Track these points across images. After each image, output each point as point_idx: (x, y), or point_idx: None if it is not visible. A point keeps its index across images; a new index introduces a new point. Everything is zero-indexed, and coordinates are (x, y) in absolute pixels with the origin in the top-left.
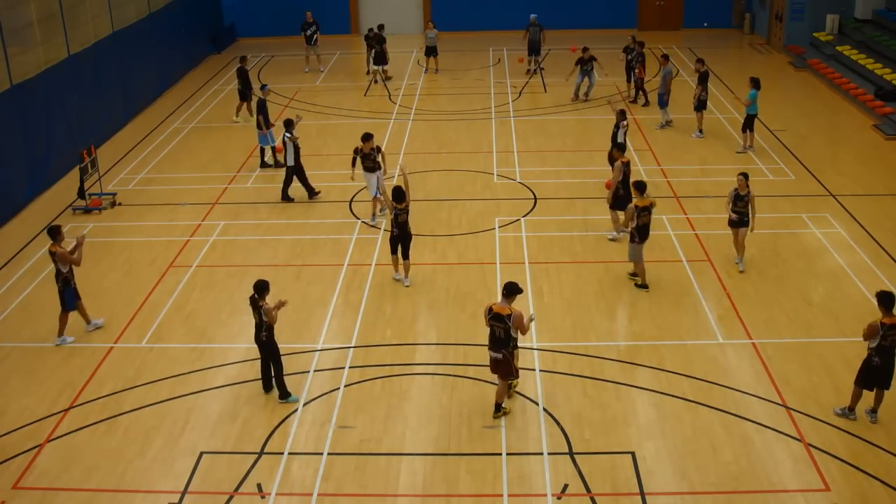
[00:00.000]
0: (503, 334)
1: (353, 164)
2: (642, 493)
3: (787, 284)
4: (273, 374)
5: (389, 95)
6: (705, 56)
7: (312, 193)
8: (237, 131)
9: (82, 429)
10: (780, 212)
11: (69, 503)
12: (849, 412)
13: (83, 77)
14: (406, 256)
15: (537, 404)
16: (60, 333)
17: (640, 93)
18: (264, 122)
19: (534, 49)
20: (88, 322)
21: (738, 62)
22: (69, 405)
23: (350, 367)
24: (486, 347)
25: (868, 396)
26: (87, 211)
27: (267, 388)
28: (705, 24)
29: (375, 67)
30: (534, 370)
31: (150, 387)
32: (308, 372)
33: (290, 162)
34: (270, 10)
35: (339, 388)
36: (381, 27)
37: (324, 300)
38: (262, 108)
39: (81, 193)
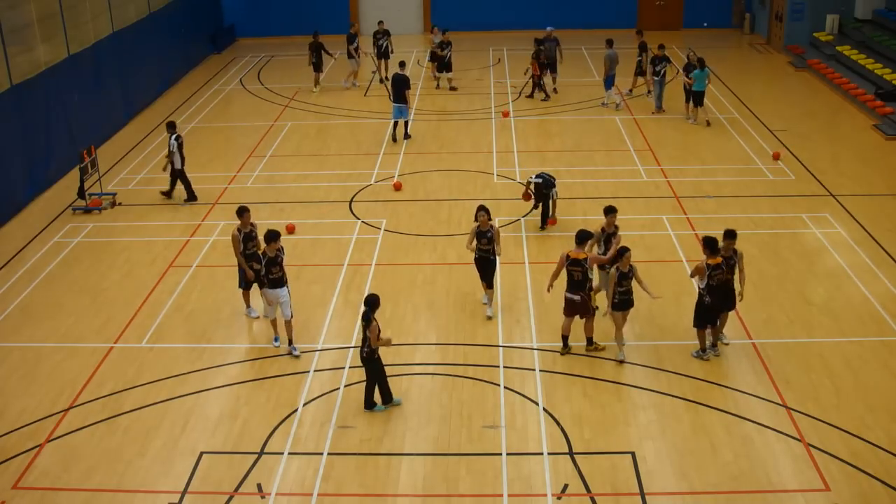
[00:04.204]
0: (581, 276)
1: (249, 278)
2: (642, 493)
3: (787, 284)
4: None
5: (390, 95)
6: (705, 56)
7: (192, 197)
8: (236, 131)
9: (82, 429)
10: (780, 212)
11: (69, 503)
12: (703, 353)
13: (83, 77)
14: (490, 284)
15: (537, 404)
16: (247, 305)
17: (537, 88)
18: (395, 96)
19: (549, 65)
20: (248, 306)
21: (738, 62)
22: (69, 405)
23: (350, 367)
24: (565, 291)
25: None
26: (87, 211)
27: (368, 405)
28: (705, 24)
29: (440, 75)
30: (534, 370)
31: (150, 387)
32: (308, 372)
33: (178, 165)
34: (270, 10)
35: (339, 388)
36: (444, 31)
37: (324, 300)
38: (397, 83)
39: (81, 193)
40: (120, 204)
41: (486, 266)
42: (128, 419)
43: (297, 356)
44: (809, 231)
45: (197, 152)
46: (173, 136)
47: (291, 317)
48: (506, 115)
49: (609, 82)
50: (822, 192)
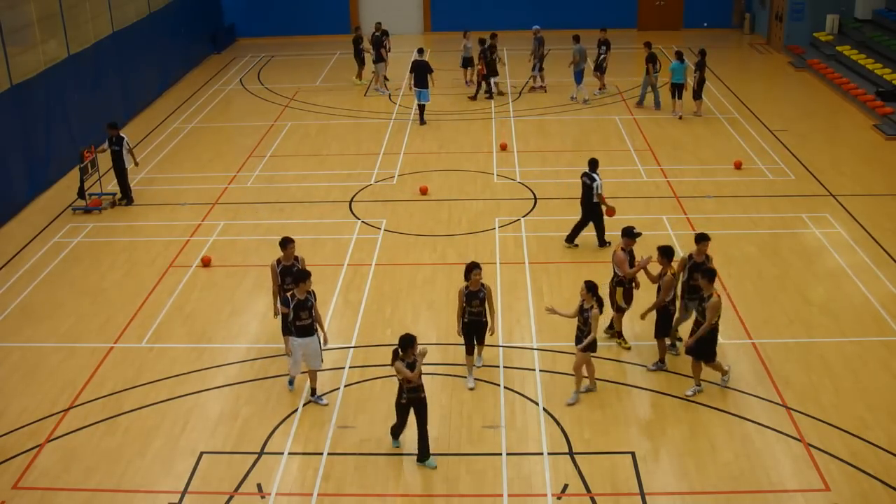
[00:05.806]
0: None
1: (286, 328)
2: (642, 493)
3: (787, 284)
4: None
5: (389, 95)
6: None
7: (130, 200)
8: (236, 131)
9: (82, 429)
10: (780, 212)
11: (69, 503)
12: (661, 364)
13: (83, 77)
14: (481, 341)
15: (537, 404)
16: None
17: (484, 85)
18: (416, 80)
19: (536, 62)
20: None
21: (738, 62)
22: (69, 405)
23: (350, 367)
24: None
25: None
26: (87, 211)
27: (422, 456)
28: (705, 24)
29: (491, 80)
30: (534, 370)
31: (150, 387)
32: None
33: (129, 164)
34: (270, 10)
35: (339, 388)
36: (493, 36)
37: (324, 300)
38: (418, 68)
39: (81, 193)
40: (120, 204)
41: (477, 329)
42: (128, 419)
43: (324, 405)
44: (809, 231)
45: (197, 152)
46: (124, 136)
47: (320, 366)
48: (504, 147)
49: (578, 77)
50: (822, 191)
